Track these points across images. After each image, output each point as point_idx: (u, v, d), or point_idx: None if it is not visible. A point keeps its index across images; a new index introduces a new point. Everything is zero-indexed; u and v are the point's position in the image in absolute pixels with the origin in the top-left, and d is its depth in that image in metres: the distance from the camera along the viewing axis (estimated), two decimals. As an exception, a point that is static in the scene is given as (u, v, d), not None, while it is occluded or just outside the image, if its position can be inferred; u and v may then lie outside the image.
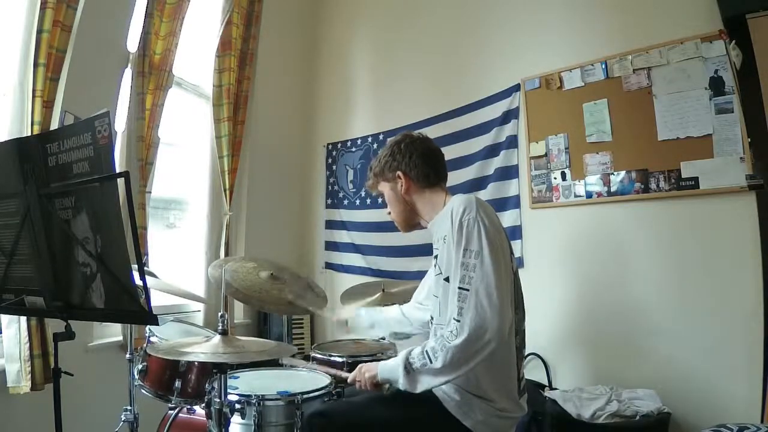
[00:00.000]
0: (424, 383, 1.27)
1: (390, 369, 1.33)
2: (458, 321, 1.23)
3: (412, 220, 1.59)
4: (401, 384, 1.29)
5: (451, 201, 1.44)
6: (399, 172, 1.54)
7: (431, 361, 1.24)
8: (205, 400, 1.43)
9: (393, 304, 2.47)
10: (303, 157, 3.95)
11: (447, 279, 1.38)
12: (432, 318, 1.49)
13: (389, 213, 1.64)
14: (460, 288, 1.26)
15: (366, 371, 1.39)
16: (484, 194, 2.80)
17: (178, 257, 2.97)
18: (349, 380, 1.44)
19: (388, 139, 1.76)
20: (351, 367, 2.08)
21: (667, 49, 2.25)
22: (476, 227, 1.29)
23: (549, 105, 2.62)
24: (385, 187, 1.59)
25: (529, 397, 1.47)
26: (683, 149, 2.18)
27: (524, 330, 1.44)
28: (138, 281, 1.09)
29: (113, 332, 2.41)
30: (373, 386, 1.38)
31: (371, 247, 3.40)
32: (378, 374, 1.36)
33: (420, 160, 1.54)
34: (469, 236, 1.29)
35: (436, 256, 1.49)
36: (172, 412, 1.78)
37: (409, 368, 1.28)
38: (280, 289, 1.94)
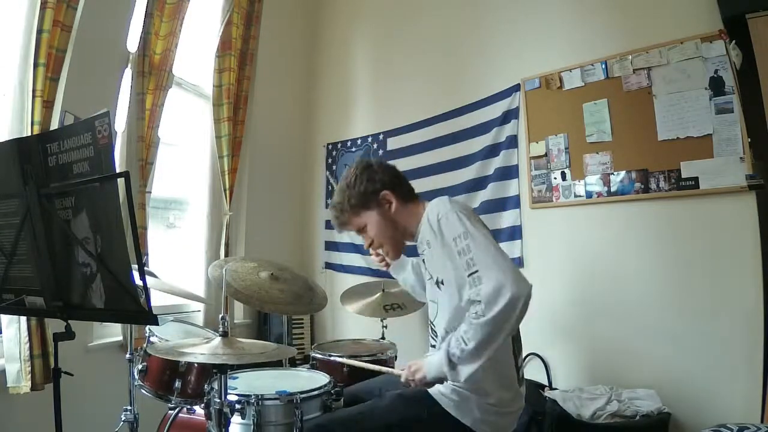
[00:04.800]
0: (467, 370, 1.23)
1: (437, 367, 1.29)
2: (479, 301, 1.19)
3: (403, 243, 1.54)
4: (450, 379, 1.27)
5: (426, 207, 1.44)
6: (385, 192, 1.48)
7: (466, 344, 1.21)
8: (205, 400, 1.43)
9: (393, 304, 2.48)
10: (303, 157, 3.95)
11: (438, 283, 1.40)
12: (431, 321, 1.49)
13: (370, 245, 1.55)
14: (470, 275, 1.23)
15: (416, 371, 1.35)
16: (484, 194, 2.81)
17: (178, 257, 2.97)
18: (402, 380, 1.40)
19: (347, 169, 1.57)
20: (350, 367, 2.09)
21: (667, 49, 2.25)
22: (453, 215, 1.31)
23: (549, 105, 2.62)
24: (369, 216, 1.50)
25: (529, 397, 1.47)
26: (683, 149, 2.18)
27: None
28: (138, 281, 1.09)
29: (113, 332, 2.41)
30: (427, 386, 1.36)
31: (371, 247, 3.40)
32: (427, 376, 1.32)
33: (400, 178, 1.54)
34: (450, 227, 1.30)
35: (423, 260, 1.49)
36: (172, 412, 1.78)
37: (452, 359, 1.25)
38: (280, 289, 1.94)
